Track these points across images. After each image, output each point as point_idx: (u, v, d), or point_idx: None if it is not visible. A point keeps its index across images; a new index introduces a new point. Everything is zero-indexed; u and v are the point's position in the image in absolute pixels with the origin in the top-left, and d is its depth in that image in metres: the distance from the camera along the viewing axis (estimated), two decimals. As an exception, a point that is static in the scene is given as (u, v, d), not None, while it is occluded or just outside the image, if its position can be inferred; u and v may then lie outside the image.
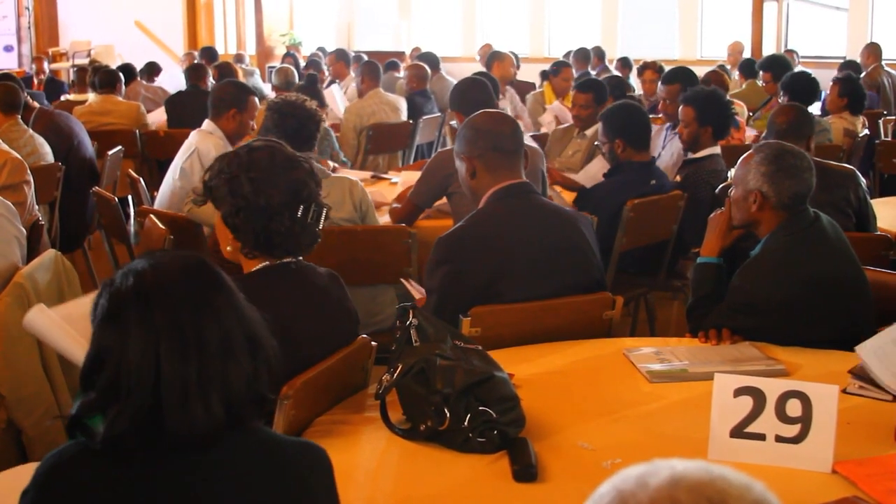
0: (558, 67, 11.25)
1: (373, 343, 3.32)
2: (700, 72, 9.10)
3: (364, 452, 2.92)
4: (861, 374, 3.27)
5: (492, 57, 10.84)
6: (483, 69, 14.96)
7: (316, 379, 2.99)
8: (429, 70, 11.21)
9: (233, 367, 2.00)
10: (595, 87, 7.75)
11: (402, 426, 2.89)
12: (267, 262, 3.16)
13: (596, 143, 6.71)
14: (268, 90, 12.00)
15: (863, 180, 5.34)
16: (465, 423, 2.77)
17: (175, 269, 2.04)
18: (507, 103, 9.90)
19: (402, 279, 4.37)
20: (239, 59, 17.23)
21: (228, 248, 3.20)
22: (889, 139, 8.91)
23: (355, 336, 3.27)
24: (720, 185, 5.56)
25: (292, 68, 11.11)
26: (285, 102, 5.14)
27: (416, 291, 4.03)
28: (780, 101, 7.91)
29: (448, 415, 2.78)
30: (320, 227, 3.23)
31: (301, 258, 3.22)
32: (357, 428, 3.00)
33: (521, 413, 2.86)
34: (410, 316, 3.00)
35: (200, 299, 2.01)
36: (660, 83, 8.23)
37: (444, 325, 3.07)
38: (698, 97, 6.23)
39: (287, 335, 3.03)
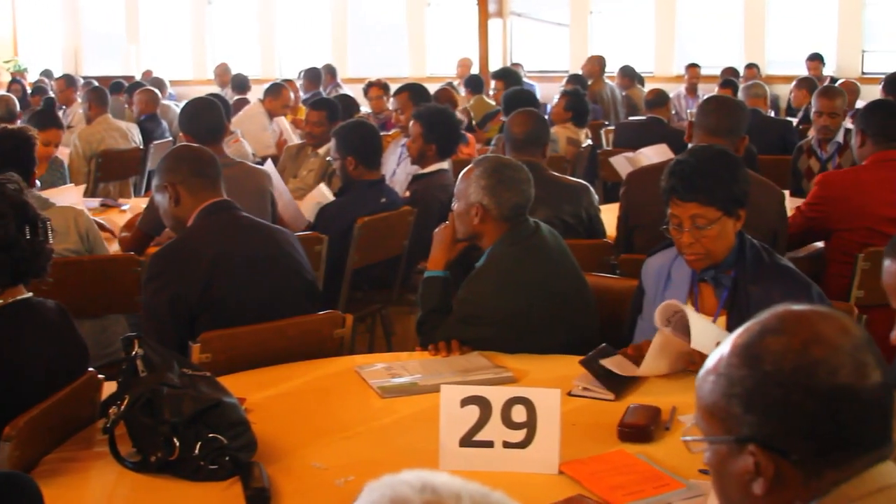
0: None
1: (100, 376, 3.24)
2: (430, 89, 9.23)
3: (94, 489, 2.87)
4: (585, 376, 3.39)
5: (269, 90, 10.32)
6: (218, 89, 14.86)
7: (41, 417, 2.89)
8: (159, 94, 11.02)
9: None
10: (328, 105, 7.80)
11: (132, 459, 2.83)
12: None
13: (328, 158, 6.73)
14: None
15: (595, 195, 5.46)
16: (196, 451, 2.75)
17: None
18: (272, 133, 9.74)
19: None
20: (-40, 87, 16.52)
21: None
22: (610, 148, 9.25)
23: (85, 371, 3.19)
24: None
25: (13, 97, 10.68)
26: (-4, 129, 4.98)
27: None
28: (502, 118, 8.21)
29: (178, 444, 2.75)
30: (50, 242, 3.15)
31: (32, 295, 3.11)
32: (87, 464, 2.93)
33: (253, 437, 2.86)
34: (136, 346, 2.95)
35: None
36: (391, 97, 8.34)
37: (171, 353, 3.04)
38: (426, 114, 6.31)
39: (20, 378, 2.95)
